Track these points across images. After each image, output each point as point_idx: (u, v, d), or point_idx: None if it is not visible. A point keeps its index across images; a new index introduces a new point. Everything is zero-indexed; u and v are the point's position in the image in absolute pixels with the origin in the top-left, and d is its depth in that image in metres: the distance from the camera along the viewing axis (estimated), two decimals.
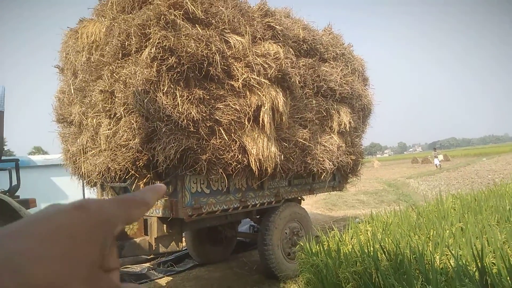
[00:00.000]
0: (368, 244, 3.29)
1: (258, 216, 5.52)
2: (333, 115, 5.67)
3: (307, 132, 5.09)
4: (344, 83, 5.78)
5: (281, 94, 4.44)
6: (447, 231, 3.55)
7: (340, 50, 6.03)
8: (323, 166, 5.34)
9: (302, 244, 4.06)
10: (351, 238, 4.24)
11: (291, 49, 5.00)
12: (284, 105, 4.47)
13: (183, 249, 5.99)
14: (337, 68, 5.78)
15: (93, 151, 4.43)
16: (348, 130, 5.84)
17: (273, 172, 4.56)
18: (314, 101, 5.37)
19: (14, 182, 3.81)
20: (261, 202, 5.00)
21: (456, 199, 5.42)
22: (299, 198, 5.96)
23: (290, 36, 5.07)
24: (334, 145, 5.57)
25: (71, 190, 10.06)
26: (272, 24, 4.76)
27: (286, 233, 5.29)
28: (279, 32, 4.79)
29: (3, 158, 3.09)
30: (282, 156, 4.60)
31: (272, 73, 4.30)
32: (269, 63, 4.29)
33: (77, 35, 4.55)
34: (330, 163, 5.42)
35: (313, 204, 12.10)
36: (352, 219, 5.22)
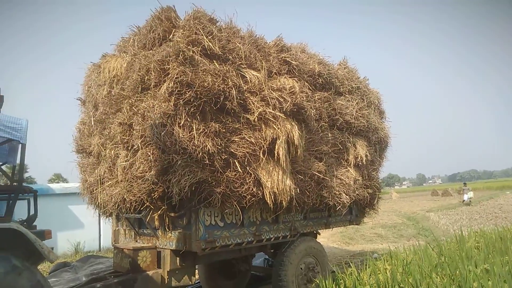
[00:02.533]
0: (387, 284, 3.16)
1: (272, 250, 5.40)
2: (349, 148, 5.63)
3: (322, 165, 5.05)
4: (360, 116, 5.77)
5: (296, 127, 4.45)
6: (471, 273, 3.38)
7: (355, 84, 6.07)
8: (339, 200, 5.24)
9: (318, 282, 3.93)
10: (369, 277, 4.09)
11: (306, 83, 5.06)
12: (300, 138, 4.47)
13: (196, 282, 5.87)
14: (352, 102, 5.80)
15: (110, 182, 4.48)
16: (364, 163, 5.76)
17: (288, 205, 4.50)
18: (329, 134, 5.35)
19: (32, 212, 3.85)
20: (276, 236, 4.91)
21: (480, 237, 5.20)
22: (315, 232, 5.83)
23: (306, 71, 5.15)
24: (351, 178, 5.49)
25: (87, 219, 10.13)
26: (287, 59, 4.85)
27: (301, 268, 5.13)
28: (295, 67, 4.88)
29: (24, 185, 3.15)
30: (298, 189, 4.55)
31: (288, 106, 4.34)
32: (285, 97, 4.34)
33: (100, 70, 4.73)
34: (347, 196, 5.32)
35: (329, 238, 11.81)
36: (370, 254, 5.06)
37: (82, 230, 10.22)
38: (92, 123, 4.74)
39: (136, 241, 4.84)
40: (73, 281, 6.60)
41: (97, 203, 4.85)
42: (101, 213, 5.21)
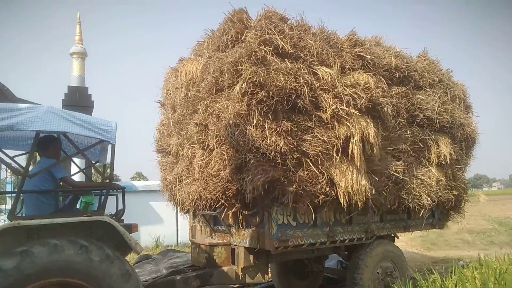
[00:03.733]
0: None
1: (346, 252, 5.23)
2: (431, 146, 5.23)
3: (401, 164, 4.76)
4: (443, 112, 5.32)
5: (371, 124, 4.25)
6: None
7: (437, 76, 5.62)
8: (420, 202, 4.90)
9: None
10: (455, 286, 3.75)
11: (382, 78, 4.81)
12: (375, 136, 4.26)
13: (269, 281, 5.91)
14: (434, 96, 5.37)
15: (187, 180, 4.71)
16: (448, 162, 5.30)
17: (364, 206, 4.32)
18: (408, 131, 5.03)
19: (120, 207, 4.19)
20: (350, 238, 4.74)
21: None
22: (393, 235, 5.52)
23: (381, 65, 4.89)
24: (433, 179, 5.09)
25: (167, 215, 10.82)
26: (361, 53, 4.66)
27: (378, 273, 4.89)
28: (369, 61, 4.66)
29: (114, 182, 3.44)
30: (374, 190, 4.34)
31: (362, 103, 4.16)
32: (359, 93, 4.17)
33: (177, 73, 5.00)
34: (428, 198, 4.95)
35: (408, 242, 11.10)
36: (456, 262, 4.64)
37: (161, 225, 10.93)
38: (171, 124, 5.02)
39: (212, 237, 5.03)
40: (154, 272, 7.10)
41: (176, 200, 5.13)
42: (179, 210, 5.51)
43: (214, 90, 4.22)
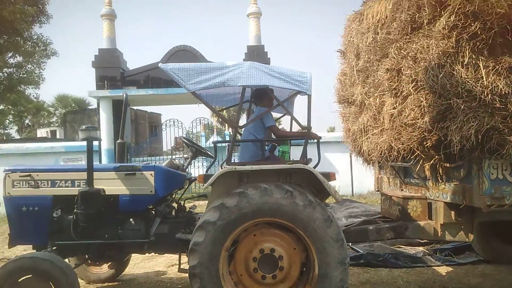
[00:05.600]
0: None
1: None
2: None
3: None
4: None
5: None
6: None
7: None
8: None
9: None
10: None
11: None
12: None
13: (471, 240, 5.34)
14: None
15: (374, 130, 4.51)
16: None
17: None
18: None
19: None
20: None
21: None
22: None
23: None
24: None
25: (341, 166, 10.97)
26: None
27: None
28: None
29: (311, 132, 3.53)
30: None
31: None
32: None
33: (361, 17, 4.69)
34: None
35: None
36: None
37: (337, 176, 11.11)
38: (355, 73, 4.82)
39: (402, 189, 4.78)
40: None
41: (360, 151, 5.03)
42: (363, 161, 5.41)
43: (409, 29, 3.77)
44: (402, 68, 3.86)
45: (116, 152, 4.52)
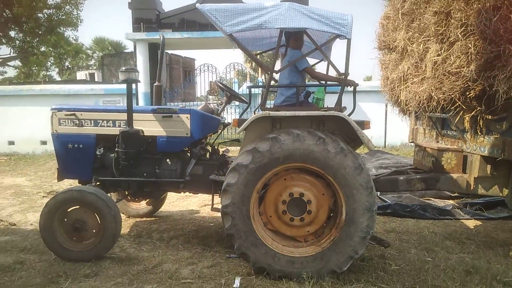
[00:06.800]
0: None
1: None
2: None
3: None
4: None
5: None
6: None
7: None
8: None
9: None
10: None
11: None
12: None
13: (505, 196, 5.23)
14: None
15: (415, 79, 4.32)
16: None
17: None
18: None
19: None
20: None
21: None
22: None
23: None
24: None
25: (375, 116, 10.68)
26: None
27: None
28: None
29: (349, 79, 3.44)
30: None
31: None
32: None
33: None
34: None
35: None
36: None
37: (370, 126, 10.91)
38: (399, 16, 4.52)
39: (438, 141, 4.66)
40: None
41: (398, 101, 4.86)
42: (400, 111, 5.26)
43: None
44: (451, 11, 3.58)
45: (153, 95, 4.62)
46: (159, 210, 5.27)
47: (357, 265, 3.44)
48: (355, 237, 3.17)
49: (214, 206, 3.82)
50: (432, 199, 5.90)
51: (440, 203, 5.68)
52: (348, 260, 3.19)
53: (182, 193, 4.56)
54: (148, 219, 5.08)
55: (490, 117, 3.68)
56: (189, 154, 4.14)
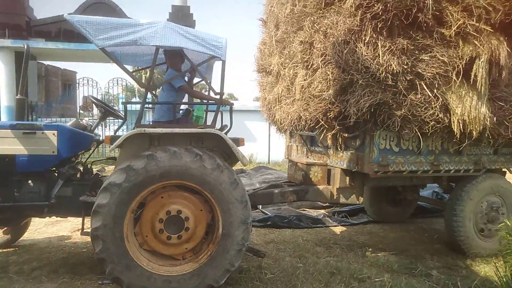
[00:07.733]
0: None
1: (448, 183, 4.98)
2: None
3: None
4: None
5: (505, 44, 3.66)
6: None
7: None
8: None
9: (509, 223, 3.47)
10: None
11: None
12: (508, 58, 3.69)
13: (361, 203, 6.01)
14: None
15: (287, 100, 4.73)
16: None
17: (479, 136, 3.96)
18: None
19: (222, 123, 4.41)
20: (456, 169, 4.45)
21: None
22: (504, 170, 5.05)
23: None
24: None
25: (259, 134, 11.33)
26: None
27: (482, 206, 4.61)
28: None
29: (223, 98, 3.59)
30: (494, 119, 3.91)
31: (497, 17, 3.55)
32: (495, 4, 3.54)
33: None
34: None
35: None
36: None
37: (254, 144, 11.50)
38: (273, 43, 4.93)
39: (308, 157, 5.15)
40: (248, 185, 7.65)
41: (274, 120, 5.25)
42: (276, 129, 5.67)
43: (323, 4, 3.96)
44: (314, 42, 4.06)
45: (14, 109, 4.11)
46: (20, 238, 4.62)
47: (234, 278, 3.53)
48: (231, 250, 3.26)
49: (84, 230, 3.52)
50: (307, 209, 6.46)
51: (313, 212, 6.26)
52: (225, 274, 3.25)
53: (48, 218, 4.09)
54: (5, 250, 4.40)
55: (346, 135, 4.23)
56: (56, 174, 3.77)
